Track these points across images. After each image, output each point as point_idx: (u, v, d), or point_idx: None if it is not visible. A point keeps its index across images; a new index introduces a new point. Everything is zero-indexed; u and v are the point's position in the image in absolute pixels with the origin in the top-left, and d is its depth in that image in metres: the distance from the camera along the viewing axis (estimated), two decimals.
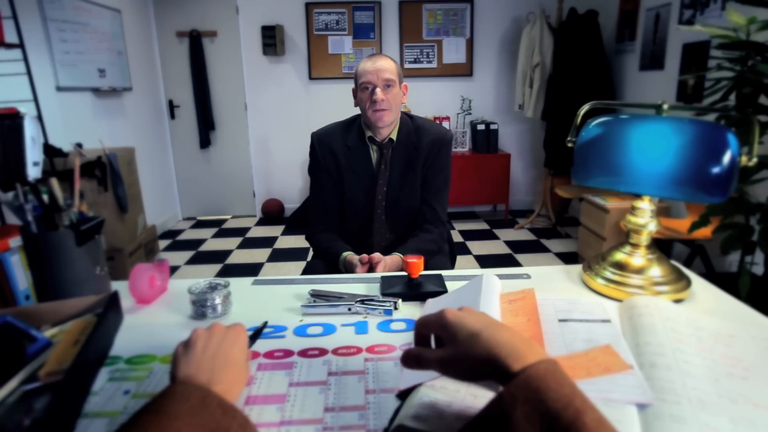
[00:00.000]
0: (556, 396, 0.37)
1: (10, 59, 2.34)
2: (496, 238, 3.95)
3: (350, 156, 1.46)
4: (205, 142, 4.46)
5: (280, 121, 4.49)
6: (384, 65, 1.36)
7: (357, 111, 1.47)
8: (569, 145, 0.88)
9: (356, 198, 1.48)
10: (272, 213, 4.49)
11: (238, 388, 0.54)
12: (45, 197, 0.77)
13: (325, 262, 1.47)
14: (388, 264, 1.30)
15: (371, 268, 1.29)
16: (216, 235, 4.14)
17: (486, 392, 0.55)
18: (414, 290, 0.88)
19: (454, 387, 0.57)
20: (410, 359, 0.51)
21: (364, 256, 1.30)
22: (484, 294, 0.72)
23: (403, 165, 1.46)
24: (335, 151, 1.45)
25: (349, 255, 1.38)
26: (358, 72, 1.39)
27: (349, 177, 1.46)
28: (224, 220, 4.60)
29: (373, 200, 1.47)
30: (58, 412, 0.53)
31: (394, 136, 1.45)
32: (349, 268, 1.35)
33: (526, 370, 0.40)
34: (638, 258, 0.85)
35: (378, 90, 1.35)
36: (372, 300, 0.82)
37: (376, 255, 1.30)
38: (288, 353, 0.69)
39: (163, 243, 3.92)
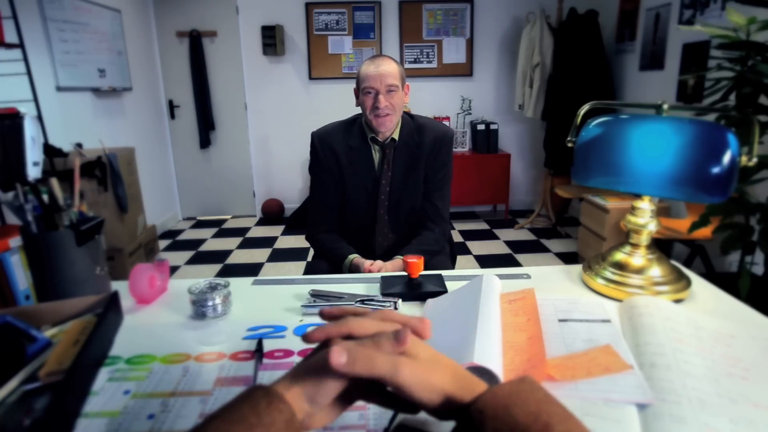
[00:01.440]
0: (523, 412, 0.38)
1: (10, 59, 2.34)
2: (496, 238, 3.95)
3: (352, 156, 1.45)
4: (205, 142, 4.46)
5: (280, 121, 4.49)
6: (387, 70, 1.35)
7: (357, 110, 1.46)
8: (569, 145, 0.88)
9: (358, 198, 1.47)
10: (272, 213, 4.49)
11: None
12: (45, 197, 0.77)
13: (328, 262, 1.47)
14: (389, 269, 1.32)
15: None
16: (216, 235, 4.14)
17: None
18: (414, 290, 0.88)
19: None
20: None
21: (367, 263, 1.33)
22: (484, 294, 0.72)
23: (406, 164, 1.46)
24: (337, 151, 1.45)
25: (356, 258, 1.38)
26: (360, 75, 1.39)
27: (351, 177, 1.46)
28: (224, 220, 4.59)
29: (376, 200, 1.47)
30: (58, 412, 0.53)
31: (396, 136, 1.45)
32: (354, 271, 1.36)
33: (490, 389, 0.41)
34: (638, 258, 0.85)
35: (381, 97, 1.34)
36: (372, 300, 0.82)
37: (377, 263, 1.33)
38: (288, 353, 0.69)
39: (163, 243, 3.92)
